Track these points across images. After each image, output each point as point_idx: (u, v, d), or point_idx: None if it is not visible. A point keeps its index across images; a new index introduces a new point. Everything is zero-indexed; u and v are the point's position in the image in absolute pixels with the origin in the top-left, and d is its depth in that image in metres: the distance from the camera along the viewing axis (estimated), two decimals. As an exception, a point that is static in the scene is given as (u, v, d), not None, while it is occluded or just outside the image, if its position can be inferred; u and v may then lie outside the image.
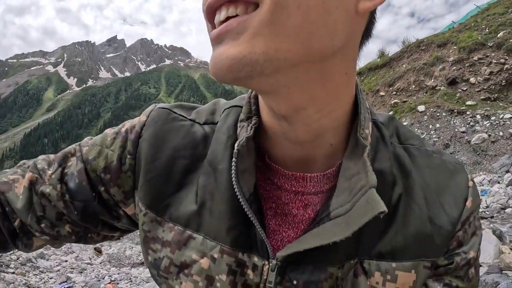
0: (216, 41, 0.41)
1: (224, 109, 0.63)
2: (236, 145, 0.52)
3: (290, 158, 0.56)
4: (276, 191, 0.58)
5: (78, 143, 0.67)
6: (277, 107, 0.49)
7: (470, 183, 0.58)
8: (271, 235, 0.57)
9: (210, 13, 0.42)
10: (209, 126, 0.62)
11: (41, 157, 0.67)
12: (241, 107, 0.60)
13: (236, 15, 0.39)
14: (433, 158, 0.60)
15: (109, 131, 0.66)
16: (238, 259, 0.54)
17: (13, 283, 4.59)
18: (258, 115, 0.57)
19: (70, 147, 0.67)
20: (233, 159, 0.51)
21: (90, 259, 6.87)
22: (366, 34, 0.50)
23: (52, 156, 0.67)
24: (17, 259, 5.67)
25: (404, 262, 0.53)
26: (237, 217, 0.54)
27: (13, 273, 4.98)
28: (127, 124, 0.65)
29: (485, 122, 8.24)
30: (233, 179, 0.51)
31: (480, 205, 0.59)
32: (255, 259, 0.54)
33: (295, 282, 0.53)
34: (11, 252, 5.96)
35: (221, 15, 0.40)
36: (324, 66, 0.44)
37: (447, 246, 0.56)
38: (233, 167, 0.51)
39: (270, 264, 0.53)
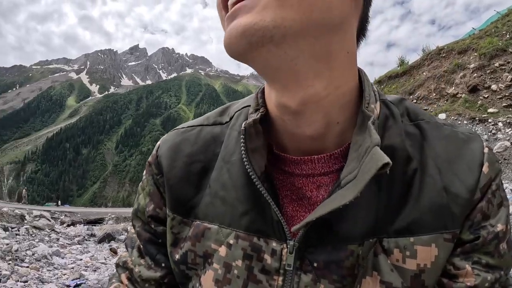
0: (231, 18, 0.45)
1: (236, 111, 0.67)
2: (243, 124, 0.54)
3: (299, 145, 0.58)
4: (289, 178, 0.59)
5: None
6: (287, 97, 0.51)
7: (486, 150, 0.56)
8: (289, 221, 0.58)
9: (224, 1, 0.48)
10: (219, 127, 0.67)
11: (123, 255, 0.73)
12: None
13: None
14: (443, 129, 0.59)
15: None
16: (252, 243, 0.56)
17: (26, 276, 4.69)
18: (264, 107, 0.59)
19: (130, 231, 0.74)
20: (241, 137, 0.54)
21: (105, 259, 6.94)
22: (363, 22, 0.55)
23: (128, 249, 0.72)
24: (33, 254, 5.80)
25: (422, 236, 0.52)
26: (250, 202, 0.56)
27: (27, 267, 5.08)
28: (147, 163, 0.71)
29: (507, 130, 7.99)
30: (243, 156, 0.54)
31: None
32: (273, 244, 0.55)
33: (315, 264, 0.53)
34: (27, 248, 6.12)
35: None
36: (326, 42, 0.47)
37: (469, 218, 0.54)
38: (241, 146, 0.54)
39: (288, 246, 0.54)
